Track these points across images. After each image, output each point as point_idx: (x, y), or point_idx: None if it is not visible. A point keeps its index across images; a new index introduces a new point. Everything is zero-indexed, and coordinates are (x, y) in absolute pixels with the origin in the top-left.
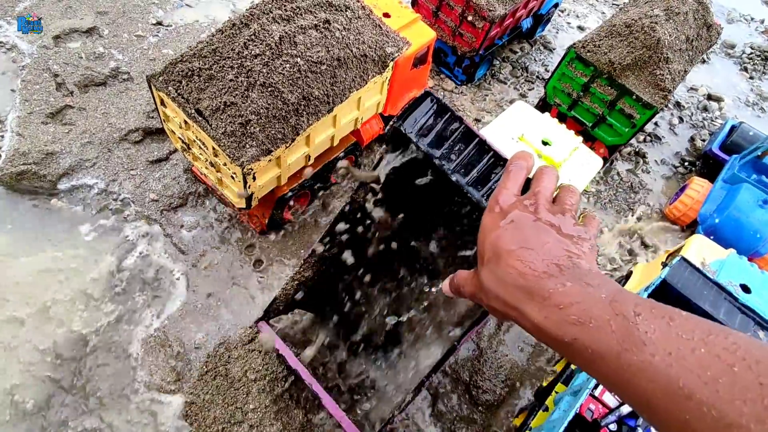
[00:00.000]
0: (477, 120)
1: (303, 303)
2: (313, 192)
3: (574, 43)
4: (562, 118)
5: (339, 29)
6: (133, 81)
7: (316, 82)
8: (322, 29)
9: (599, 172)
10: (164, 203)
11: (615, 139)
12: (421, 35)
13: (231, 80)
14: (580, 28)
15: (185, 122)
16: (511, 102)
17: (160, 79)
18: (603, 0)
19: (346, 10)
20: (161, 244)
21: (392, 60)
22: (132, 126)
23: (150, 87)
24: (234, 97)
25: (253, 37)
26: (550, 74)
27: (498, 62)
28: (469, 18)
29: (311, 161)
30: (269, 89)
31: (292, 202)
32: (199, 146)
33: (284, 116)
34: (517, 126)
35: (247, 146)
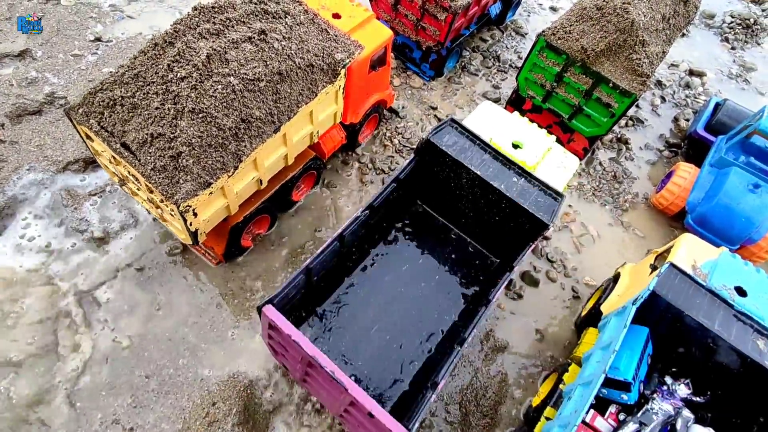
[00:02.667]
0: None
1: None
2: (273, 214)
3: (543, 31)
4: (537, 110)
5: (278, 39)
6: None
7: (256, 101)
8: (258, 41)
9: (576, 172)
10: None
11: (594, 130)
12: (376, 35)
13: (157, 108)
14: (553, 9)
15: (113, 158)
16: (484, 95)
17: (80, 111)
18: None
19: (285, 17)
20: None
21: (343, 67)
22: (71, 157)
23: (71, 120)
24: (161, 127)
25: (177, 57)
26: (521, 65)
27: (468, 53)
28: (431, 10)
29: (264, 185)
30: (200, 115)
31: (250, 228)
32: (134, 182)
33: (221, 143)
34: (485, 129)
35: (181, 181)
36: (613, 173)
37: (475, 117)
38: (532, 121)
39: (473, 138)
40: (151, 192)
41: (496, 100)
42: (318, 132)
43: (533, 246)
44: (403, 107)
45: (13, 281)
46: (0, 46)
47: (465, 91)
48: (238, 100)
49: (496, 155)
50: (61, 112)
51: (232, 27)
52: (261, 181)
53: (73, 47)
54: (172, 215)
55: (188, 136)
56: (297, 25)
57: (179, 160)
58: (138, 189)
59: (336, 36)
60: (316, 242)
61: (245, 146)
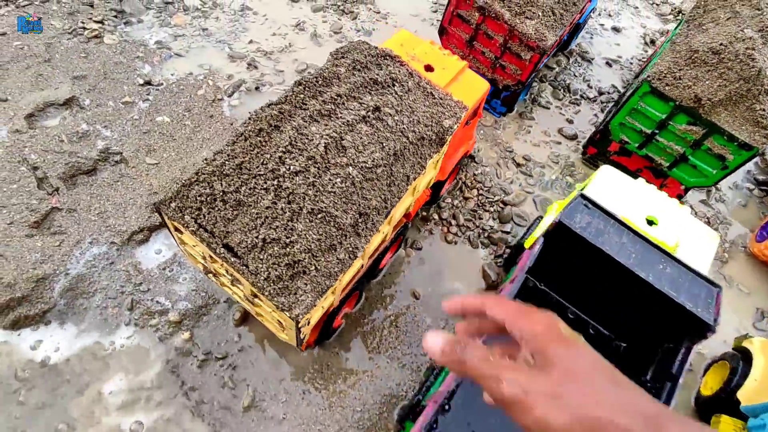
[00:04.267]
0: (527, 159)
1: None
2: (362, 288)
3: (649, 75)
4: (625, 153)
5: (390, 114)
6: (127, 164)
7: (373, 190)
8: (373, 120)
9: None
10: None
11: (699, 181)
12: (473, 89)
13: (268, 207)
14: (615, 30)
15: (210, 257)
16: (560, 131)
17: (173, 206)
18: None
19: (394, 85)
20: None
21: (451, 134)
22: (135, 227)
23: (160, 215)
24: (275, 230)
25: (289, 147)
26: (613, 108)
27: (536, 84)
28: (513, 48)
29: (363, 269)
30: (319, 216)
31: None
32: (232, 281)
33: (339, 242)
34: (613, 201)
35: (300, 292)
36: (705, 218)
37: (597, 186)
38: (659, 188)
39: (607, 216)
40: (255, 296)
41: (573, 137)
42: (413, 203)
43: (691, 352)
44: (478, 150)
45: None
46: (43, 94)
47: (539, 126)
48: (357, 193)
49: (636, 236)
50: (118, 171)
51: (343, 105)
52: (362, 265)
53: (123, 93)
54: (281, 324)
55: (307, 242)
56: (406, 93)
57: (296, 268)
58: (234, 286)
59: (441, 99)
60: (414, 305)
61: (362, 242)
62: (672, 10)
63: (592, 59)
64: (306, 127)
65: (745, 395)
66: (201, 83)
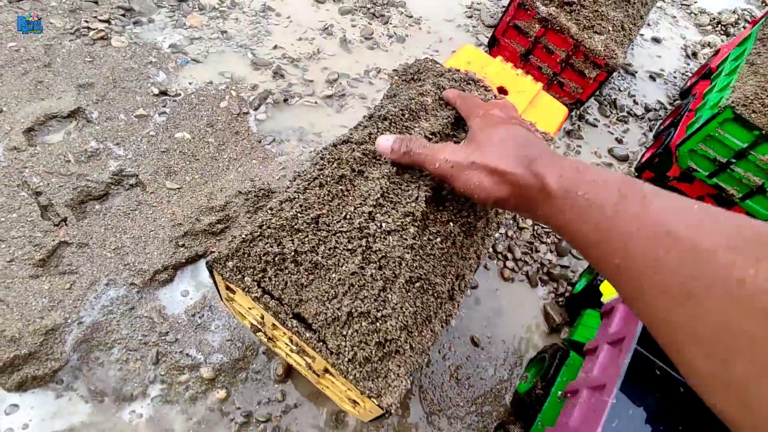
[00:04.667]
0: None
1: None
2: None
3: (731, 100)
4: (687, 178)
5: None
6: (144, 188)
7: (472, 246)
8: None
9: None
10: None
11: None
12: (551, 115)
13: (354, 273)
14: (656, 41)
15: (274, 324)
16: (610, 151)
17: (230, 265)
18: (670, 1)
19: None
20: None
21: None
22: (157, 265)
23: (211, 274)
24: (362, 301)
25: (380, 200)
26: (667, 130)
27: None
28: (576, 65)
29: None
30: (417, 284)
31: None
32: (298, 351)
33: (435, 312)
34: None
35: (391, 376)
36: None
37: None
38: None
39: None
40: (327, 371)
41: (624, 158)
42: None
43: None
44: None
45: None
46: (43, 104)
47: (588, 146)
48: (457, 253)
49: None
50: (134, 197)
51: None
52: None
53: (136, 105)
54: (355, 402)
55: (404, 317)
56: None
57: (389, 347)
58: (296, 353)
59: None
60: (474, 354)
61: (455, 306)
62: (711, 21)
63: (636, 72)
64: (399, 175)
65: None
66: (223, 94)
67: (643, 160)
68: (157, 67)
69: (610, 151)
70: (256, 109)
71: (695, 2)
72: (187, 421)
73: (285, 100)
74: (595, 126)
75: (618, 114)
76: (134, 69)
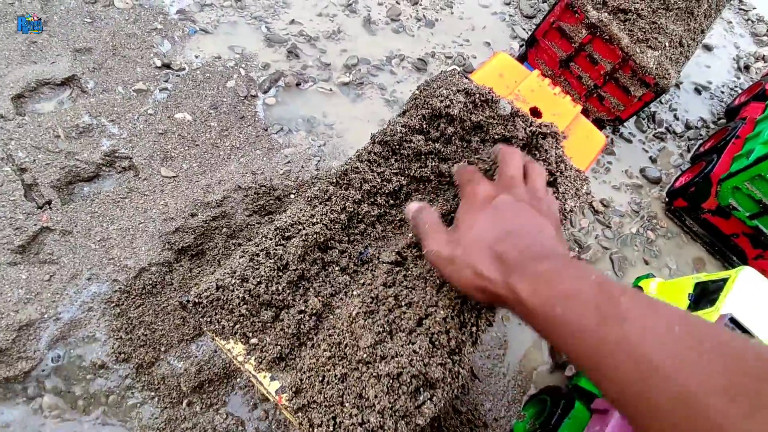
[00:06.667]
0: (605, 205)
1: None
2: None
3: None
4: (722, 213)
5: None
6: (137, 173)
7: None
8: None
9: None
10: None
11: None
12: (588, 146)
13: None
14: (707, 48)
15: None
16: (642, 171)
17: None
18: (728, 5)
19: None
20: None
21: (570, 216)
22: (144, 260)
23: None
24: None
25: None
26: (709, 156)
27: None
28: (621, 80)
29: None
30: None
31: None
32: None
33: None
34: (757, 316)
35: None
36: None
37: (739, 298)
38: (754, 258)
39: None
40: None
41: (656, 180)
42: None
43: None
44: None
45: None
46: (35, 68)
47: (620, 164)
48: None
49: None
50: (125, 182)
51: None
52: None
53: (135, 77)
54: None
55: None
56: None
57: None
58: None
59: (564, 169)
60: (473, 387)
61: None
62: None
63: (681, 83)
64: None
65: None
66: (231, 72)
67: (677, 185)
68: (162, 35)
69: (642, 171)
70: (265, 92)
71: (754, 8)
72: None
73: (297, 84)
74: (630, 141)
75: (656, 129)
76: (137, 35)
